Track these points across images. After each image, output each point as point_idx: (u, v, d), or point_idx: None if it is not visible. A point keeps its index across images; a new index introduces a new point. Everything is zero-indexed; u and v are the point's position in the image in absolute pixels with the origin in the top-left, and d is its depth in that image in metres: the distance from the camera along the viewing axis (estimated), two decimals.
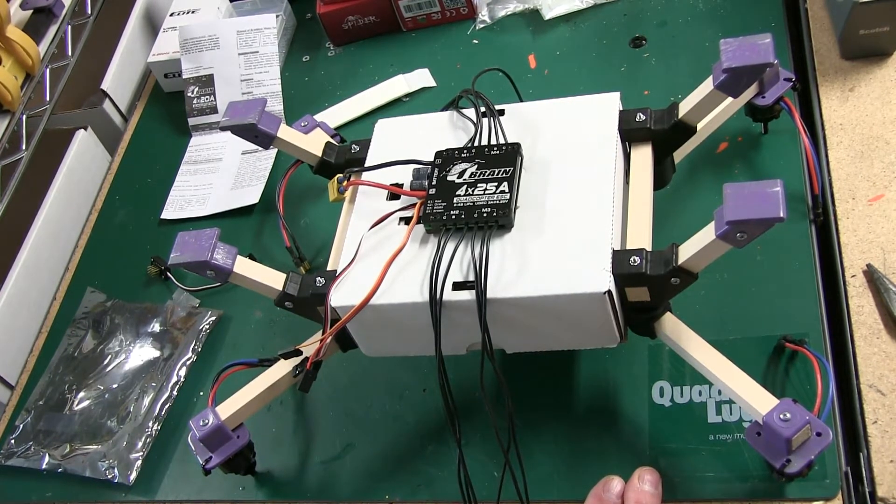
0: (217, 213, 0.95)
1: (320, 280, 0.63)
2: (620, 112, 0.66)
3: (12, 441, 0.82)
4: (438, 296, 0.57)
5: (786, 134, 0.76)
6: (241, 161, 0.99)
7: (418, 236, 0.62)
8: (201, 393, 0.81)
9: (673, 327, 0.61)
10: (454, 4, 1.01)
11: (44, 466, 0.79)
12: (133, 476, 0.76)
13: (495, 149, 0.64)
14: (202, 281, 0.87)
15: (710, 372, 0.58)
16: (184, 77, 1.04)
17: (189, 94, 1.04)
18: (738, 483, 0.60)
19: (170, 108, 1.09)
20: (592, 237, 0.58)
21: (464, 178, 0.63)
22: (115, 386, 0.83)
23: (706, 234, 0.53)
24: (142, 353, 0.85)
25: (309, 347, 0.65)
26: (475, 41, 1.00)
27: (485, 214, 0.60)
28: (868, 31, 0.76)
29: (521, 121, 0.67)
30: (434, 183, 0.63)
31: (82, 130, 1.06)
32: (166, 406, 0.80)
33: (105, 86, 1.09)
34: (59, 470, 0.79)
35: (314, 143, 0.75)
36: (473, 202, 0.61)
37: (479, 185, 0.62)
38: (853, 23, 0.75)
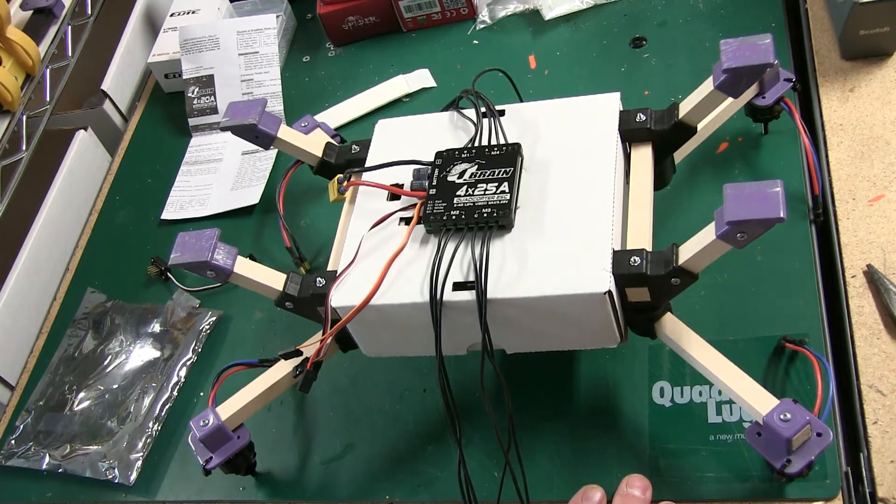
0: (217, 214, 0.95)
1: (320, 280, 0.63)
2: (620, 112, 0.66)
3: (12, 441, 0.82)
4: (438, 296, 0.57)
5: (786, 134, 0.76)
6: (242, 161, 0.99)
7: (418, 236, 0.62)
8: (201, 393, 0.81)
9: (673, 327, 0.61)
10: (454, 5, 1.01)
11: (44, 467, 0.79)
12: (133, 476, 0.76)
13: (495, 149, 0.64)
14: (202, 281, 0.87)
15: (710, 372, 0.58)
16: (184, 77, 1.04)
17: (189, 95, 1.04)
18: (739, 483, 0.60)
19: (170, 109, 1.09)
20: (592, 237, 0.58)
21: (464, 178, 0.63)
22: (115, 386, 0.83)
23: (706, 235, 0.53)
24: (142, 353, 0.85)
25: (309, 348, 0.65)
26: (475, 41, 1.00)
27: (485, 215, 0.60)
28: (868, 31, 0.76)
29: (521, 121, 0.67)
30: (434, 183, 0.63)
31: (82, 131, 1.06)
32: (166, 406, 0.80)
33: (105, 86, 1.09)
34: (60, 470, 0.79)
35: (314, 144, 0.75)
36: (474, 202, 0.61)
37: (479, 185, 0.62)
38: (853, 23, 0.75)
